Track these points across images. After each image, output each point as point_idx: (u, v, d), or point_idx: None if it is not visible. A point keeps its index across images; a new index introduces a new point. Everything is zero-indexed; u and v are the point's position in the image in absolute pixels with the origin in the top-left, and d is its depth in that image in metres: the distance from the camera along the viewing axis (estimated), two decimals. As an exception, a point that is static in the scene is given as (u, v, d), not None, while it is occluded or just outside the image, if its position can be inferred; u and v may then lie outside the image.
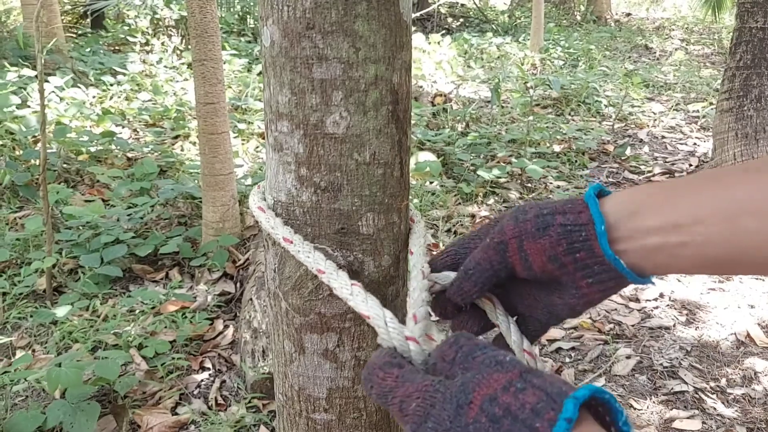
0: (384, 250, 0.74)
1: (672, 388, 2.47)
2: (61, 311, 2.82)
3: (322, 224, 0.71)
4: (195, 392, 2.53)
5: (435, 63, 7.11)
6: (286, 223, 0.71)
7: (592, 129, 5.61)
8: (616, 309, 3.01)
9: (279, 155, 0.71)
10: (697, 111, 6.22)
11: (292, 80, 0.67)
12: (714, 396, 2.42)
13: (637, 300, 3.07)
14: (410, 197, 0.71)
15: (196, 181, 3.97)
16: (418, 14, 9.47)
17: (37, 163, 3.81)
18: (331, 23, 0.65)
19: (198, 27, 3.07)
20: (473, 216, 3.95)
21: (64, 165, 4.22)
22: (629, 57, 9.14)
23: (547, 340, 2.80)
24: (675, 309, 2.98)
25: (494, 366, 0.47)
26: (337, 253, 0.71)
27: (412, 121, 4.83)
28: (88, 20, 8.26)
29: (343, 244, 0.71)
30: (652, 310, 2.98)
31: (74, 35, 7.95)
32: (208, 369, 2.66)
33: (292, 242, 0.69)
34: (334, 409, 0.79)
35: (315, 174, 0.69)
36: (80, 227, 3.44)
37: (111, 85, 5.88)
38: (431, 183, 4.30)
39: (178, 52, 7.26)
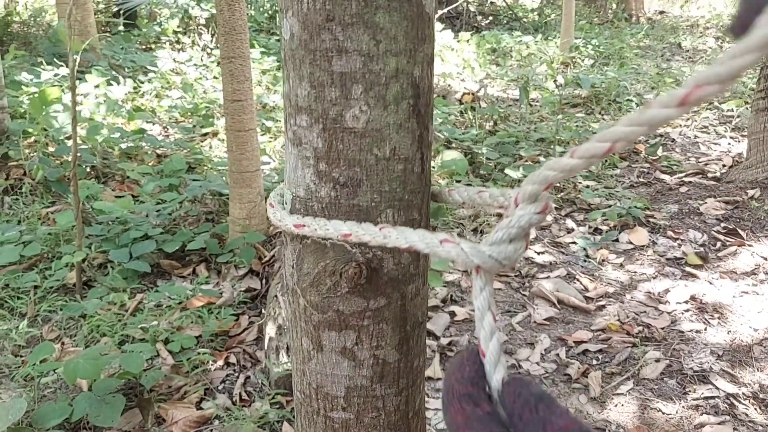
0: (404, 247, 0.72)
1: (702, 393, 2.41)
2: (90, 305, 2.86)
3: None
4: (219, 387, 2.54)
5: (463, 61, 7.06)
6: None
7: (623, 128, 5.52)
8: (645, 311, 2.95)
9: (298, 150, 0.70)
10: (732, 110, 6.08)
11: (311, 73, 0.66)
12: (746, 402, 2.36)
13: (668, 302, 3.00)
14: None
15: (224, 178, 4.00)
16: (445, 10, 9.42)
17: (69, 159, 3.87)
18: (351, 15, 0.64)
19: (226, 24, 3.09)
20: (500, 215, 3.90)
21: (103, 160, 4.28)
22: (662, 55, 8.99)
23: (575, 342, 2.76)
24: (706, 312, 2.91)
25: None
26: (356, 249, 0.70)
27: (439, 120, 4.80)
28: (121, 19, 8.37)
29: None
30: (682, 313, 2.91)
31: (107, 34, 8.08)
32: (233, 365, 2.67)
33: (304, 225, 0.68)
34: (352, 408, 0.78)
35: (334, 169, 0.68)
36: (110, 222, 3.48)
37: (142, 82, 5.96)
38: (458, 182, 4.27)
39: (208, 50, 7.32)
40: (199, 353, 2.64)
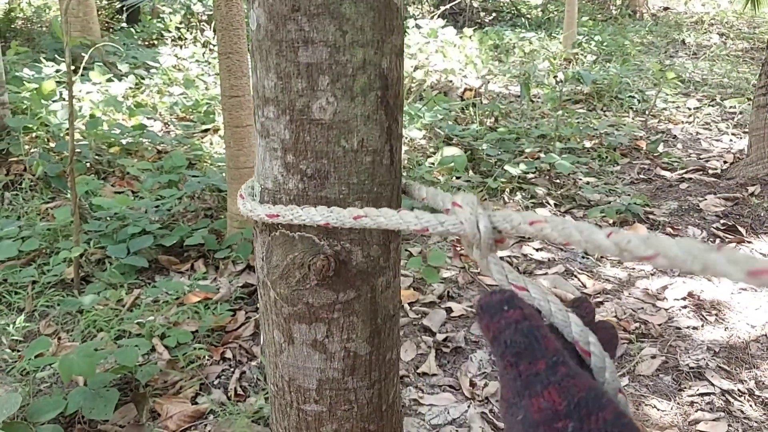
0: (373, 239, 0.72)
1: (698, 390, 2.41)
2: (87, 300, 2.86)
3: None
4: (215, 382, 2.55)
5: (466, 57, 7.05)
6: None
7: (624, 125, 5.51)
8: (642, 308, 2.94)
9: (266, 141, 0.70)
10: (734, 107, 6.05)
11: (277, 64, 0.66)
12: (742, 398, 2.35)
13: (665, 299, 2.99)
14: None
15: (223, 174, 4.00)
16: (448, 6, 9.40)
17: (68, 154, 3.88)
18: (317, 5, 0.63)
19: (224, 20, 3.09)
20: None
21: (96, 156, 4.29)
22: (665, 52, 8.95)
23: (571, 338, 2.75)
24: (704, 309, 2.90)
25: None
26: (324, 242, 0.70)
27: (440, 116, 4.79)
28: (124, 15, 8.39)
29: (329, 233, 0.70)
30: (679, 310, 2.90)
31: (110, 30, 8.09)
32: (229, 360, 2.67)
33: (277, 215, 0.68)
34: (324, 401, 0.78)
35: (301, 161, 0.68)
36: (108, 218, 3.49)
37: (143, 78, 5.97)
38: (457, 178, 4.27)
39: (210, 46, 7.33)
40: (195, 348, 2.65)
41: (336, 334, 0.75)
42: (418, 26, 7.49)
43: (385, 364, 0.79)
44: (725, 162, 4.68)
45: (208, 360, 2.64)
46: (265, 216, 0.69)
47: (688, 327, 2.78)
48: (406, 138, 4.81)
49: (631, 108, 6.12)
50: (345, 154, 0.68)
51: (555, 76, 5.95)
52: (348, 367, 0.76)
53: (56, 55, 5.95)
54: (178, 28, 7.64)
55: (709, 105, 6.22)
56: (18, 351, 2.62)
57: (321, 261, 0.68)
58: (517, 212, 0.52)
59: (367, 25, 0.65)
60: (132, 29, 7.92)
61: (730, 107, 6.09)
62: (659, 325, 2.79)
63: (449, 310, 2.93)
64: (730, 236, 3.51)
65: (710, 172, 4.49)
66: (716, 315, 2.84)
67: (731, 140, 5.26)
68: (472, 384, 2.46)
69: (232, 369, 2.61)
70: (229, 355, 2.68)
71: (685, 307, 2.92)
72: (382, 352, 0.77)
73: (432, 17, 8.09)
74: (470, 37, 7.57)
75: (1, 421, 2.01)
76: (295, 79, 0.66)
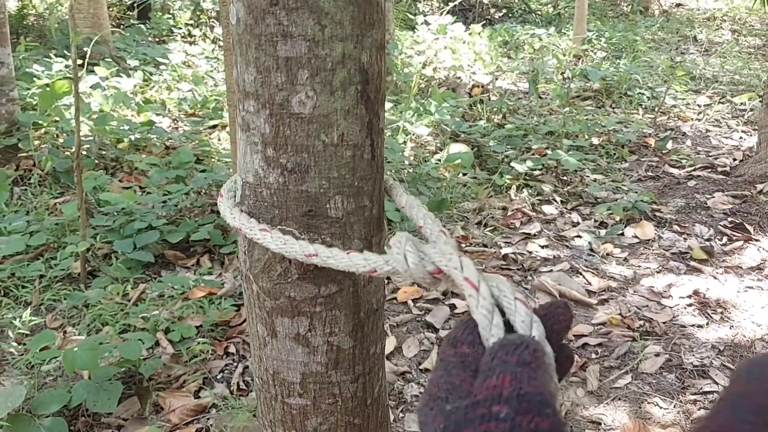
0: (354, 234, 0.72)
1: (701, 388, 2.39)
2: (93, 294, 2.89)
3: (289, 206, 0.69)
4: (218, 377, 2.56)
5: (474, 54, 7.02)
6: (254, 204, 0.70)
7: (633, 122, 5.47)
8: (647, 306, 2.93)
9: (246, 135, 0.70)
10: (744, 104, 5.99)
11: (257, 58, 0.66)
12: (745, 398, 2.33)
13: (670, 297, 2.97)
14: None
15: (230, 170, 4.02)
16: (457, 2, 9.37)
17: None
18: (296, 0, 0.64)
19: (228, 16, 3.10)
20: (505, 209, 3.89)
21: (100, 151, 4.32)
22: (676, 48, 8.88)
23: (574, 335, 2.74)
24: (709, 307, 2.88)
25: (477, 422, 0.38)
26: (305, 236, 0.70)
27: (447, 113, 4.78)
28: (135, 12, 8.43)
29: (311, 227, 0.70)
30: (685, 308, 2.88)
31: (120, 27, 8.14)
32: (232, 354, 2.69)
33: (240, 228, 0.68)
34: (308, 394, 0.78)
35: (282, 155, 0.68)
36: (115, 213, 3.51)
37: (152, 75, 6.00)
38: (464, 174, 4.26)
39: (219, 43, 7.35)
40: (198, 343, 2.66)
41: (318, 328, 0.75)
42: (426, 23, 7.47)
43: (369, 359, 0.79)
44: (734, 159, 4.64)
45: (211, 354, 2.66)
46: (230, 219, 0.70)
47: (693, 325, 2.76)
48: (413, 134, 4.80)
49: (641, 105, 6.08)
50: (325, 148, 0.68)
51: (562, 73, 5.91)
52: (331, 361, 0.76)
53: (66, 51, 5.99)
54: (187, 25, 7.67)
55: (719, 102, 6.17)
56: (24, 344, 2.65)
57: (302, 255, 0.69)
58: (454, 251, 0.51)
59: (346, 19, 0.66)
60: (142, 26, 7.96)
61: (741, 104, 6.03)
62: (664, 323, 2.78)
63: (452, 306, 2.93)
64: (737, 234, 3.48)
65: (719, 169, 4.45)
66: (722, 313, 2.82)
67: (741, 137, 5.22)
68: (474, 380, 2.45)
69: (235, 364, 2.63)
70: (232, 349, 2.70)
71: (690, 305, 2.90)
72: (365, 346, 0.78)
73: (441, 13, 8.07)
74: (479, 33, 7.54)
75: (6, 413, 2.04)
76: (274, 73, 0.66)
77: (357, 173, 0.71)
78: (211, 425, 2.25)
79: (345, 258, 0.59)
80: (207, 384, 2.51)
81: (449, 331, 0.47)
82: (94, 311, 2.81)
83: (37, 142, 4.24)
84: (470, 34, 7.48)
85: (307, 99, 0.66)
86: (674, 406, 2.31)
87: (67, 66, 5.45)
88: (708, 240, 3.47)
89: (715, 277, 3.10)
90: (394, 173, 3.96)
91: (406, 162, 4.23)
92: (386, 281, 3.15)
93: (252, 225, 0.67)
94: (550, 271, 3.23)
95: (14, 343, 2.65)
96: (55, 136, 4.42)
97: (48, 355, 2.44)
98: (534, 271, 3.24)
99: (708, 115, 5.80)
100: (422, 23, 7.50)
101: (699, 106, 6.09)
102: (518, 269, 3.26)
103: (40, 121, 4.36)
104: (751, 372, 0.43)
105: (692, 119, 5.73)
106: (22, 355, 2.56)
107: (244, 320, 2.90)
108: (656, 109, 5.83)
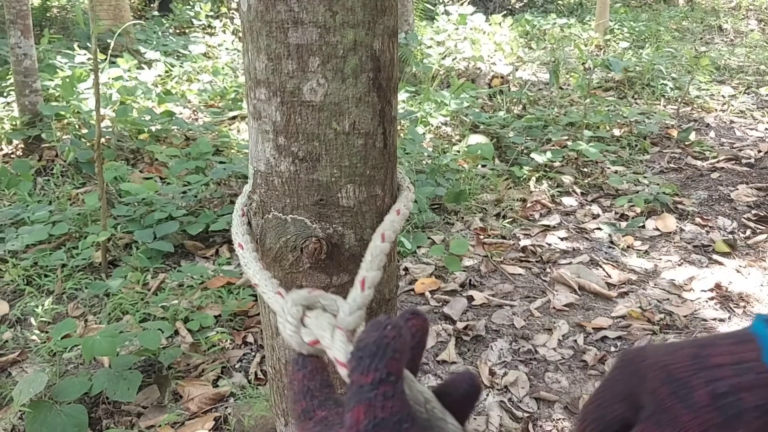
0: (366, 223, 0.72)
1: (722, 383, 2.36)
2: (113, 284, 2.92)
3: (300, 195, 0.69)
4: (236, 366, 2.58)
5: (495, 44, 6.96)
6: (265, 193, 0.70)
7: (656, 113, 5.39)
8: (668, 299, 2.89)
9: (258, 124, 0.69)
10: (771, 94, 5.89)
11: (268, 45, 0.66)
12: None
13: (692, 290, 2.93)
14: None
15: (248, 161, 4.04)
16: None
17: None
18: (307, -14, 0.63)
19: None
20: (524, 200, 3.86)
21: (121, 142, 4.35)
22: (701, 38, 8.72)
23: (594, 328, 2.72)
24: (731, 301, 2.84)
25: None
26: (316, 225, 0.70)
27: (467, 103, 4.75)
28: (156, 3, 8.48)
29: (322, 216, 0.70)
30: (706, 302, 2.84)
31: (142, 18, 8.19)
32: (250, 344, 2.70)
33: (241, 246, 0.68)
34: (320, 384, 0.78)
35: (293, 143, 0.68)
36: (136, 203, 3.55)
37: (173, 66, 6.03)
38: (483, 166, 4.23)
39: (239, 34, 7.37)
40: (217, 332, 2.68)
41: (330, 318, 0.74)
42: (447, 12, 7.42)
43: (381, 349, 0.79)
44: (759, 151, 4.56)
45: (229, 344, 2.67)
46: (234, 227, 0.70)
47: (714, 319, 2.72)
48: (432, 125, 4.78)
49: (663, 96, 5.99)
50: (336, 136, 0.68)
51: (584, 63, 5.84)
52: (343, 351, 0.76)
53: (88, 43, 6.04)
54: (207, 16, 7.70)
55: (744, 93, 6.06)
56: (46, 332, 2.69)
57: (313, 244, 0.68)
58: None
59: (357, 5, 0.65)
60: (163, 18, 8.01)
61: (767, 95, 5.92)
62: (685, 316, 2.74)
63: (470, 298, 2.92)
64: (761, 227, 3.42)
65: (743, 161, 4.37)
66: (744, 307, 2.78)
67: (766, 129, 5.12)
68: (492, 372, 2.45)
69: (253, 353, 2.64)
70: (250, 339, 2.71)
71: (711, 298, 2.86)
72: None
73: (461, 3, 8.00)
74: (500, 23, 7.48)
75: (29, 400, 2.07)
76: (285, 61, 0.66)
77: (369, 162, 0.70)
78: (229, 414, 2.27)
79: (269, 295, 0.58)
80: (225, 373, 2.52)
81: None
82: (115, 300, 2.84)
83: (59, 133, 4.29)
84: (491, 24, 7.42)
85: (318, 86, 0.66)
86: (694, 401, 2.28)
87: (89, 58, 5.50)
88: (731, 233, 3.42)
89: (737, 271, 3.05)
90: (413, 164, 3.95)
91: (425, 153, 4.21)
92: (402, 272, 3.14)
93: (247, 257, 0.66)
94: (570, 263, 3.20)
95: (37, 331, 2.69)
96: (77, 127, 4.47)
97: (69, 343, 2.47)
98: (553, 263, 3.21)
99: (732, 106, 5.70)
100: (442, 13, 7.45)
101: (723, 96, 5.98)
102: (537, 261, 3.23)
103: (62, 113, 4.41)
104: (623, 359, 0.50)
105: (716, 110, 5.63)
106: (45, 342, 2.59)
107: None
108: (679, 100, 5.74)
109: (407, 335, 0.39)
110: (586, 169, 4.31)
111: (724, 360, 0.45)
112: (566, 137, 4.69)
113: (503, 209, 3.73)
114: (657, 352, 0.49)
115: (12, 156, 4.27)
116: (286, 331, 0.48)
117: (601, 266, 3.17)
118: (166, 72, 5.90)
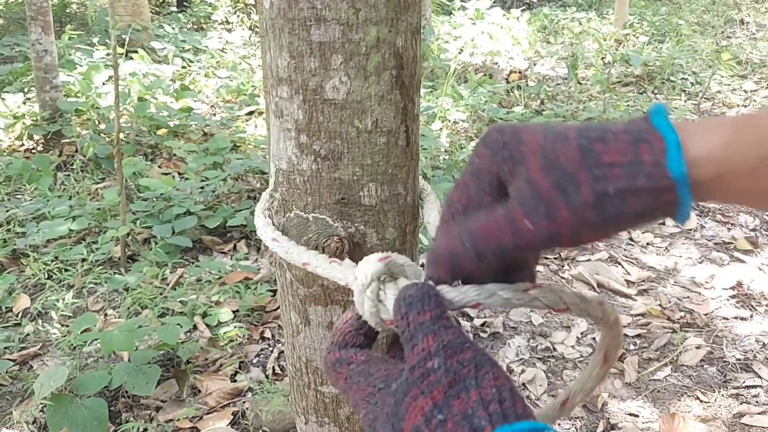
0: (388, 222, 0.71)
1: (744, 382, 2.33)
2: (132, 278, 2.94)
3: (322, 194, 0.69)
4: (254, 361, 2.59)
5: (513, 39, 6.92)
6: (287, 191, 0.70)
7: (676, 108, 5.33)
8: (688, 297, 2.86)
9: (280, 122, 0.69)
10: (796, 88, 5.79)
11: (290, 43, 0.65)
12: (790, 393, 2.26)
13: (712, 288, 2.90)
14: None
15: (265, 156, 4.05)
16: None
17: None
18: (330, -17, 0.63)
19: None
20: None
21: (139, 138, 4.38)
22: (722, 32, 8.60)
23: (612, 326, 2.69)
24: (753, 299, 2.80)
25: (419, 381, 0.42)
26: (338, 224, 0.69)
27: (484, 99, 4.73)
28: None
29: (344, 215, 0.69)
30: (727, 300, 2.81)
31: (160, 14, 8.23)
32: (268, 339, 2.71)
33: (276, 238, 0.68)
34: (341, 383, 0.78)
35: (315, 141, 0.67)
36: (155, 199, 3.57)
37: (191, 62, 6.06)
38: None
39: (257, 30, 7.38)
40: (235, 327, 2.70)
41: (351, 317, 0.74)
42: (464, 8, 7.38)
43: (402, 348, 0.78)
44: (783, 147, 4.49)
45: (247, 339, 2.69)
46: (260, 228, 0.70)
47: (735, 317, 2.69)
48: (449, 121, 4.76)
49: (684, 91, 5.92)
50: (359, 134, 0.67)
51: (603, 58, 5.78)
52: (364, 350, 0.76)
53: (107, 40, 6.09)
54: (225, 12, 7.72)
55: (767, 87, 5.96)
56: (67, 326, 2.72)
57: (335, 243, 0.68)
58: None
59: (380, 2, 0.64)
60: (180, 14, 8.04)
61: (790, 89, 5.83)
62: (705, 314, 2.71)
63: (488, 294, 2.90)
64: (784, 224, 3.37)
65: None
66: (766, 306, 2.74)
67: (790, 124, 5.03)
68: (509, 370, 2.44)
69: (270, 348, 2.65)
70: (268, 334, 2.72)
71: (733, 297, 2.82)
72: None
73: (479, -2, 7.95)
74: (517, 18, 7.42)
75: (50, 393, 2.10)
76: (307, 58, 0.65)
77: (391, 160, 0.70)
78: (246, 408, 2.28)
79: (328, 268, 0.59)
80: (243, 368, 2.54)
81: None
82: (134, 295, 2.87)
83: (79, 129, 4.32)
84: (508, 18, 7.37)
85: (340, 84, 0.65)
86: (715, 400, 2.26)
87: (108, 54, 5.54)
88: (753, 230, 3.37)
89: (759, 269, 3.01)
90: (430, 160, 3.93)
91: (442, 149, 4.19)
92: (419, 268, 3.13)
93: (277, 239, 0.67)
94: (588, 260, 3.17)
95: (57, 325, 2.72)
96: (96, 122, 4.50)
97: (89, 336, 2.50)
98: (571, 260, 3.19)
99: (755, 101, 5.62)
100: (459, 8, 7.41)
101: (745, 91, 5.90)
102: (555, 258, 3.21)
103: (82, 108, 4.44)
104: (492, 140, 0.47)
105: (738, 105, 5.55)
106: (65, 336, 2.62)
107: (279, 306, 2.93)
108: (700, 95, 5.66)
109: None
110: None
111: (617, 159, 0.42)
112: (585, 133, 4.64)
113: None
114: (536, 136, 0.45)
115: (33, 151, 4.31)
116: (364, 308, 0.49)
117: (620, 263, 3.14)
118: (183, 68, 5.93)
